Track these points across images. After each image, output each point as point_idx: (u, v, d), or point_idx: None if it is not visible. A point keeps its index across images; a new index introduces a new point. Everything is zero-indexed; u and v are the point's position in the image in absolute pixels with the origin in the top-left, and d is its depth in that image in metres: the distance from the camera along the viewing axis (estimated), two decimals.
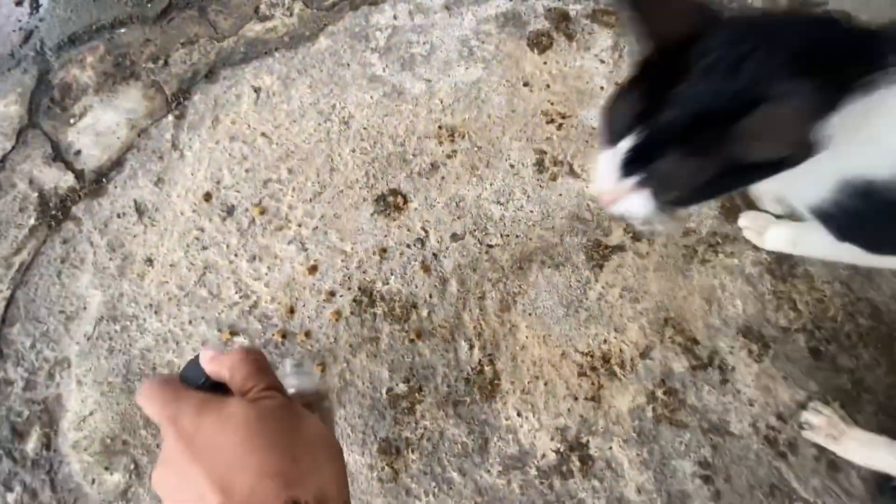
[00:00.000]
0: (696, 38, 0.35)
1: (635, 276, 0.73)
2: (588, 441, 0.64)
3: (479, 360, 0.68)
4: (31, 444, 0.64)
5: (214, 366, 0.40)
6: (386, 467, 0.62)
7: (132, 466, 0.62)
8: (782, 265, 0.73)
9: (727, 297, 0.72)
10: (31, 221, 0.76)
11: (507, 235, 0.75)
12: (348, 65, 0.87)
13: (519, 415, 0.65)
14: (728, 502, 0.62)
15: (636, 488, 0.62)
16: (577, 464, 0.63)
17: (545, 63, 0.87)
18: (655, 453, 0.64)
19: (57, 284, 0.72)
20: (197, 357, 0.41)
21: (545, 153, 0.80)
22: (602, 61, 0.88)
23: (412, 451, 0.63)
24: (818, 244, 0.55)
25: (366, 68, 0.86)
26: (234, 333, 0.68)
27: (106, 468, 0.62)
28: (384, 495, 0.61)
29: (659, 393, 0.67)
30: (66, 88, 0.87)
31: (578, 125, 0.82)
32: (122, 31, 0.92)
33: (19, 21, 0.93)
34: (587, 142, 0.81)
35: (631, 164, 0.38)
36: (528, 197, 0.77)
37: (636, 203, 0.40)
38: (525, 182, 0.78)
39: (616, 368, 0.68)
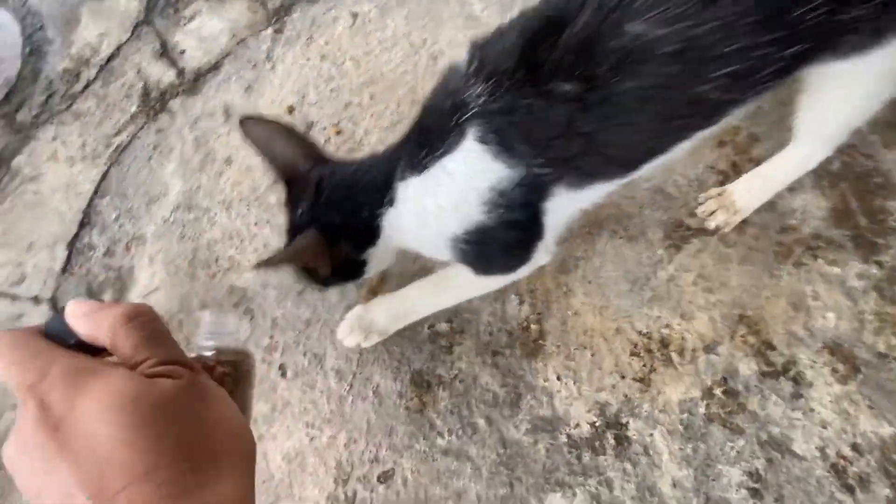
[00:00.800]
0: (302, 176, 0.51)
1: (715, 264, 0.66)
2: (628, 422, 0.60)
3: (527, 318, 0.65)
4: None
5: (89, 327, 0.29)
6: (415, 398, 0.62)
7: (184, 344, 0.66)
8: (894, 285, 0.64)
9: (819, 307, 0.64)
10: (133, 108, 0.82)
11: None
12: (447, 2, 0.84)
13: (559, 379, 0.62)
14: None
15: (672, 482, 0.57)
16: (612, 442, 0.59)
17: None
18: (700, 452, 0.58)
19: (145, 168, 0.77)
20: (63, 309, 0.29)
21: None
22: None
23: (443, 389, 0.62)
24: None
25: (464, 7, 0.83)
26: None
27: None
28: (409, 423, 0.61)
29: (717, 391, 0.61)
30: None
31: None
32: None
33: None
34: None
35: None
36: None
37: None
38: None
39: (674, 355, 0.62)
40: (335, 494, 0.59)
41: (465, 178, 0.44)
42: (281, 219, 0.72)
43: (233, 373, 0.30)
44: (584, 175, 0.46)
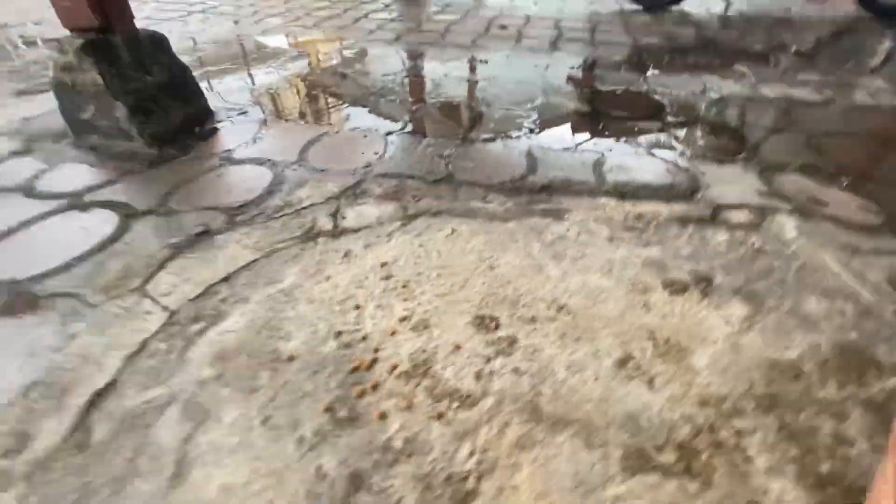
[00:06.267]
0: None
1: (669, 501, 0.66)
2: None
3: (469, 470, 0.70)
4: (193, 328, 0.96)
5: None
6: (343, 498, 0.67)
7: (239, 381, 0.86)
8: None
9: None
10: (298, 234, 1.25)
11: (560, 396, 0.81)
12: (517, 241, 1.18)
13: None
14: None
15: None
16: None
17: (671, 304, 0.99)
18: None
19: (280, 265, 1.13)
20: None
21: (633, 358, 0.87)
22: (728, 324, 0.94)
23: (369, 494, 0.67)
24: None
25: (527, 248, 1.16)
26: (338, 335, 0.92)
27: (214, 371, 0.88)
28: None
29: None
30: (363, 192, 1.45)
31: (678, 358, 0.87)
32: (410, 180, 1.50)
33: (369, 160, 1.64)
34: (676, 369, 0.84)
35: None
36: (597, 379, 0.83)
37: None
38: (600, 367, 0.85)
39: None
40: None
41: None
42: (338, 323, 0.96)
43: None
44: None
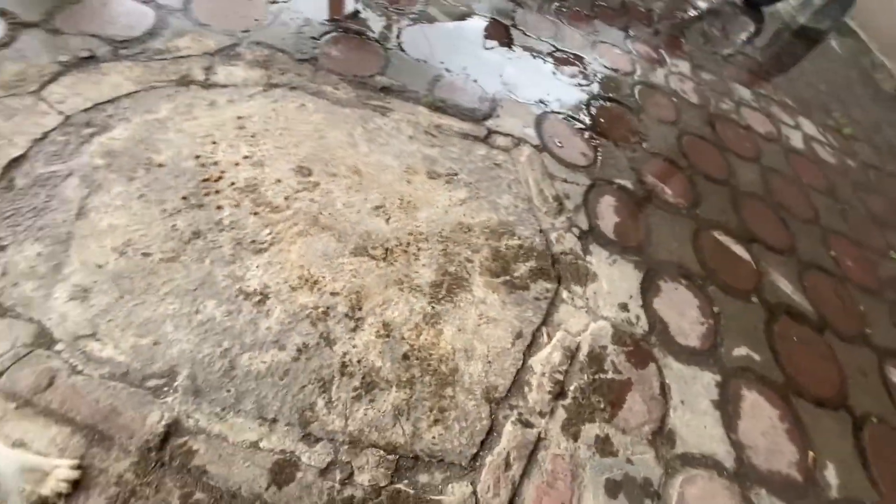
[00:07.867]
0: None
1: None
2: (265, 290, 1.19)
3: (265, 240, 1.29)
4: None
5: None
6: (186, 241, 1.22)
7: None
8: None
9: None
10: (174, 78, 1.59)
11: (333, 216, 1.41)
12: (347, 123, 1.68)
13: (258, 267, 1.23)
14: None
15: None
16: (256, 300, 1.17)
17: (424, 183, 1.62)
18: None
19: (154, 100, 1.49)
20: None
21: (384, 206, 1.49)
22: (450, 200, 1.60)
23: (203, 241, 1.22)
24: None
25: (352, 130, 1.67)
26: (197, 157, 1.38)
27: None
28: (174, 240, 1.20)
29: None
30: (236, 54, 1.78)
31: (410, 211, 1.51)
32: (280, 54, 1.85)
33: (248, 25, 1.91)
34: (406, 216, 1.49)
35: None
36: (359, 212, 1.44)
37: None
38: (363, 207, 1.46)
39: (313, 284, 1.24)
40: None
41: None
42: (190, 147, 1.41)
43: None
44: None
